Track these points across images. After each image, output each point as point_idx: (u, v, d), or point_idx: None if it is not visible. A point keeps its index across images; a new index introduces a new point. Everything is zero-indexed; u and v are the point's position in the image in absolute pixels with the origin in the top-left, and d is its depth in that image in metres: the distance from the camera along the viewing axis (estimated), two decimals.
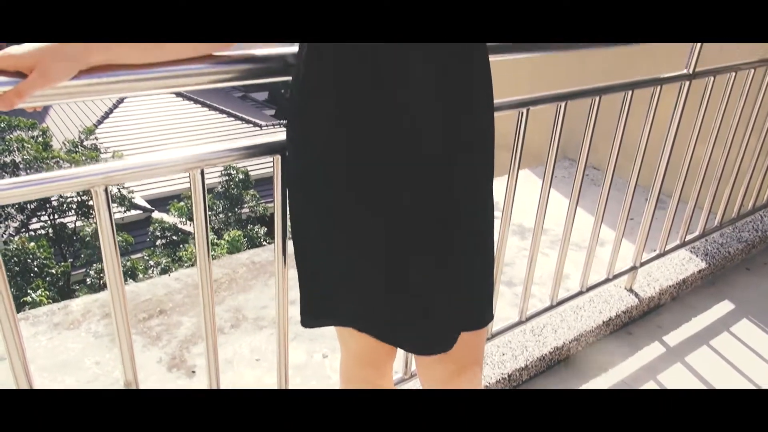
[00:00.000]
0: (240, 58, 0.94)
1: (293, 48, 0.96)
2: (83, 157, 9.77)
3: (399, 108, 0.86)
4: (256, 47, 0.97)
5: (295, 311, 1.09)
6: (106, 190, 0.89)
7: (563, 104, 1.48)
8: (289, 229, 1.05)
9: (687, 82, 1.81)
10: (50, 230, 9.76)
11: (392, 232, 0.92)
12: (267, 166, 12.86)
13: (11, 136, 10.08)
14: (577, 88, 1.50)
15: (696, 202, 2.19)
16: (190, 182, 0.98)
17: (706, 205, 2.30)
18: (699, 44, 1.79)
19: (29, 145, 9.42)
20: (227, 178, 10.40)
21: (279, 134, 1.03)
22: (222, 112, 15.21)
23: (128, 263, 8.09)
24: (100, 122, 13.44)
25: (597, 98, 1.56)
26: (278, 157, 1.05)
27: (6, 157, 9.44)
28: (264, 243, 9.77)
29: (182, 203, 9.71)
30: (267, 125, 15.15)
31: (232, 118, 14.98)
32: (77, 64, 0.76)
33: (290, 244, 1.04)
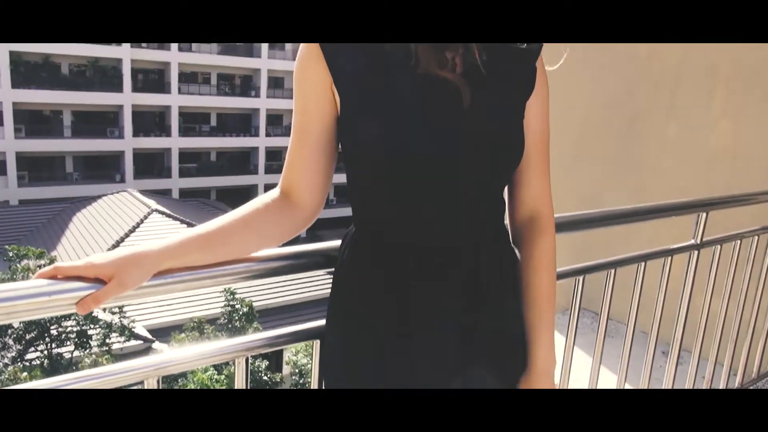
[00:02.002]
0: (289, 254, 1.01)
1: (336, 243, 1.04)
2: None
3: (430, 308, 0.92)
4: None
5: None
6: (158, 381, 0.92)
7: (581, 278, 1.54)
8: None
9: (696, 252, 1.89)
10: (46, 360, 9.55)
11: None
12: (271, 296, 12.83)
13: (18, 265, 10.26)
14: (593, 262, 1.58)
15: (716, 359, 2.18)
16: (234, 369, 1.01)
17: (726, 363, 2.29)
18: (705, 214, 1.90)
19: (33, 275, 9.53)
20: (230, 309, 10.28)
21: (319, 321, 1.08)
22: None
23: None
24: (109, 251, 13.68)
25: (612, 271, 1.63)
26: (317, 342, 1.10)
27: None
28: (264, 377, 9.49)
29: (183, 335, 9.57)
30: None
31: None
32: (151, 271, 0.83)
33: None
